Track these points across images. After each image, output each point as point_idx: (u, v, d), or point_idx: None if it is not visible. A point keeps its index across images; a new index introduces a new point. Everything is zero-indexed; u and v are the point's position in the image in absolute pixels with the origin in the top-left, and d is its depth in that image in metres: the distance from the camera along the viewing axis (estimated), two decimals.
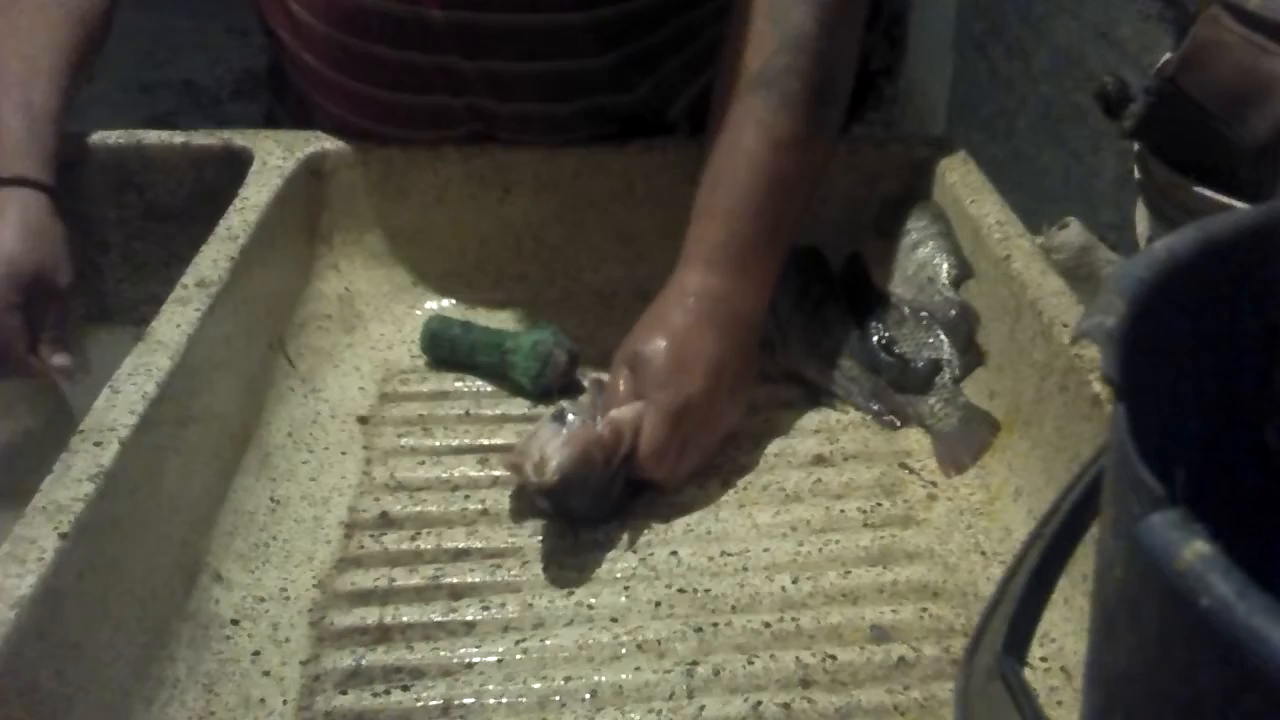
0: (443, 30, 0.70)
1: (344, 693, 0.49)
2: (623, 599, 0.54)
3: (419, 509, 0.60)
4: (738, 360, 0.63)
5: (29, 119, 0.67)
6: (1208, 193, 0.62)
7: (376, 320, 0.75)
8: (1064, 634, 0.51)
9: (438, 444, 0.65)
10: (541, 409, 0.67)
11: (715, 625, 0.53)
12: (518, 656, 0.51)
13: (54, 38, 0.70)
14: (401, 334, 0.73)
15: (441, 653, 0.51)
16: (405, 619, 0.53)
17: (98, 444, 0.47)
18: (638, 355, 0.61)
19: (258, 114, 0.93)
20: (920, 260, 0.71)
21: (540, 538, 0.58)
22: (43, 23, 0.70)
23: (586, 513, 0.58)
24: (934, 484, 0.62)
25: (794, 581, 0.55)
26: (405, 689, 0.50)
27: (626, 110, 0.77)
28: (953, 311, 0.68)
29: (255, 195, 0.68)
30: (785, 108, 0.65)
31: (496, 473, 0.62)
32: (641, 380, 0.60)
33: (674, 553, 0.57)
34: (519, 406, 0.68)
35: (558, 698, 0.49)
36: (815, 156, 0.67)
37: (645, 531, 0.59)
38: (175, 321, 0.56)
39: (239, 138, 0.75)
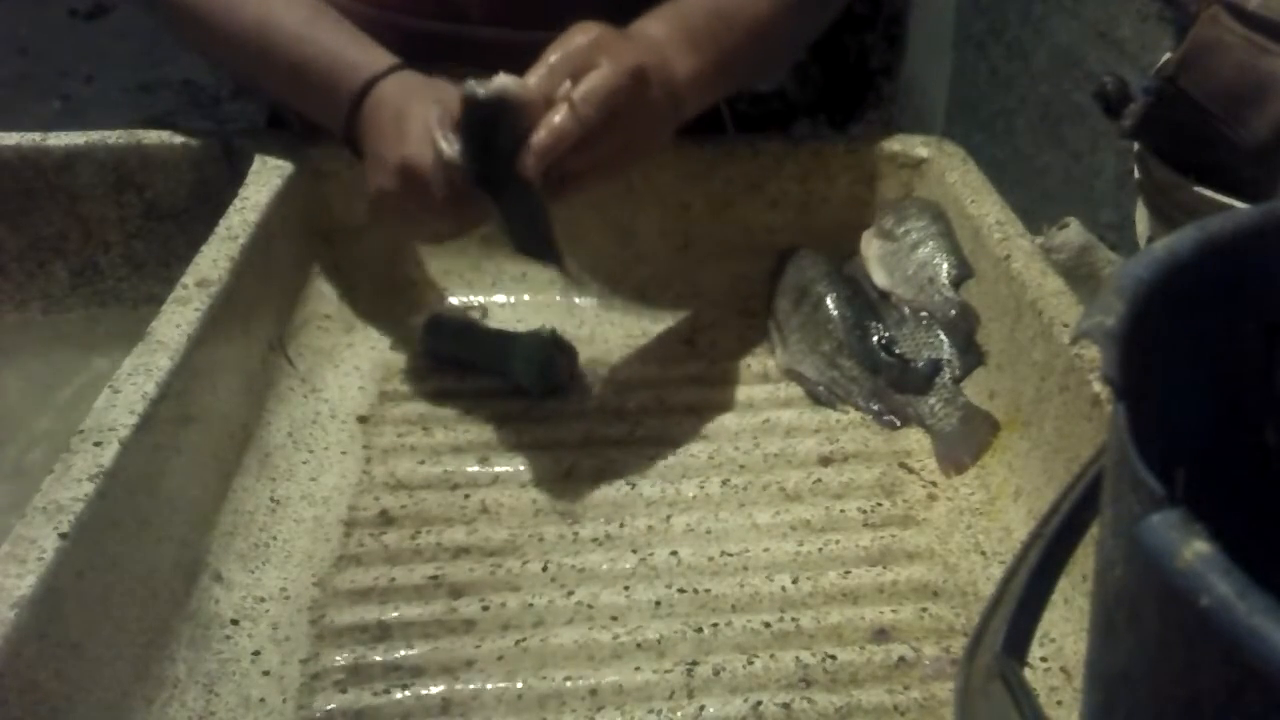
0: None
1: (344, 691, 0.49)
2: (623, 599, 0.54)
3: (419, 507, 0.60)
4: (668, 96, 0.61)
5: (350, 32, 0.68)
6: (1208, 193, 0.62)
7: (376, 320, 0.75)
8: (1064, 634, 0.51)
9: (438, 443, 0.65)
10: (541, 409, 0.67)
11: (715, 625, 0.53)
12: (518, 655, 0.51)
13: None
14: (401, 334, 0.73)
15: (441, 651, 0.51)
16: (405, 617, 0.53)
17: (98, 444, 0.47)
18: (590, 31, 0.59)
19: (258, 114, 0.93)
20: (920, 260, 0.71)
21: (540, 537, 0.58)
22: None
23: (499, 177, 0.55)
24: (934, 484, 0.62)
25: (794, 581, 0.55)
26: (405, 687, 0.50)
27: None
28: (953, 311, 0.68)
29: (255, 195, 0.68)
30: None
31: (496, 470, 0.62)
32: (598, 43, 0.58)
33: (674, 553, 0.57)
34: (519, 406, 0.68)
35: (558, 697, 0.49)
36: (786, 28, 0.70)
37: (645, 531, 0.59)
38: (175, 321, 0.56)
39: (239, 138, 0.75)
